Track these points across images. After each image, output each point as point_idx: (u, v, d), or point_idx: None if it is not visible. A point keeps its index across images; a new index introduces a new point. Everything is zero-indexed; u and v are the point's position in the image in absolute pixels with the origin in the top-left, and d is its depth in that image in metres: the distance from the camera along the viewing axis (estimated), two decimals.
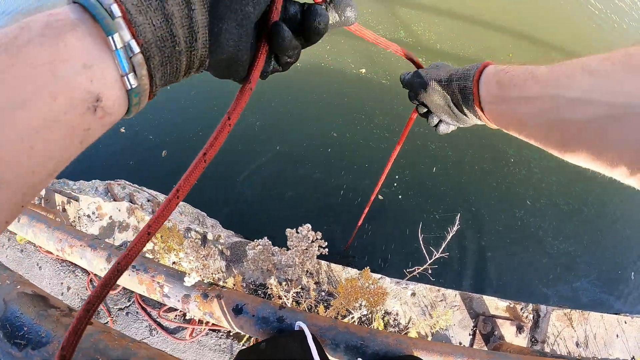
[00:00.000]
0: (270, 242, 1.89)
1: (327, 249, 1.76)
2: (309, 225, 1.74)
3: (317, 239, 1.72)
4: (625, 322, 2.44)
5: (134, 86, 0.40)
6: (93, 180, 3.16)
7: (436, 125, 1.03)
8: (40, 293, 1.10)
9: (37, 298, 1.06)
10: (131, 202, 2.86)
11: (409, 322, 2.23)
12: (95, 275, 2.50)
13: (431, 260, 2.00)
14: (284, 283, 2.15)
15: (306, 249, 1.70)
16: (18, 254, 2.81)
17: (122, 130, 4.39)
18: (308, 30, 0.54)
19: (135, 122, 4.44)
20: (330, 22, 0.58)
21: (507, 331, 2.29)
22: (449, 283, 3.60)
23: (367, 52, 4.85)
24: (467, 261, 3.74)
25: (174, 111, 4.54)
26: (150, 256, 2.32)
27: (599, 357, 2.35)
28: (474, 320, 2.28)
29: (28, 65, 0.32)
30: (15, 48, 0.32)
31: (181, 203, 3.06)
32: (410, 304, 2.26)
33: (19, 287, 1.08)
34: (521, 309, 2.36)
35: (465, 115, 0.85)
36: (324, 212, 3.86)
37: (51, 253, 2.71)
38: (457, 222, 2.03)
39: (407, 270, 2.35)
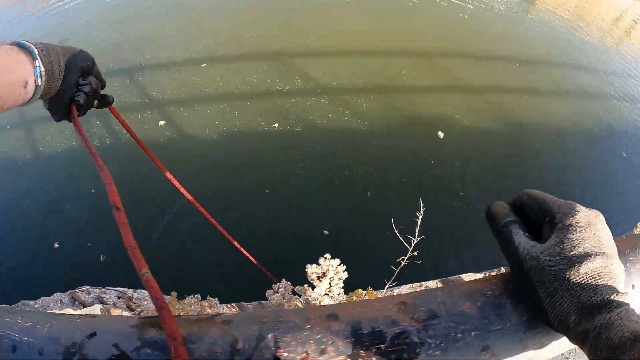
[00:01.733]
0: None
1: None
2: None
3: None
4: None
5: (39, 84, 0.83)
6: (55, 294, 2.97)
7: None
8: None
9: None
10: (102, 303, 2.65)
11: None
12: None
13: (412, 248, 2.03)
14: None
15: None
16: None
17: (56, 245, 4.10)
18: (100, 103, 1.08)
19: (70, 233, 4.15)
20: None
21: None
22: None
23: (274, 108, 5.06)
24: (430, 257, 3.86)
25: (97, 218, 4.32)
26: None
27: None
28: None
29: (3, 61, 0.76)
30: None
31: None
32: None
33: None
34: None
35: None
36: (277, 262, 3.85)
37: None
38: (422, 206, 2.09)
39: (393, 266, 2.36)
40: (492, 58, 6.29)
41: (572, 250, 0.47)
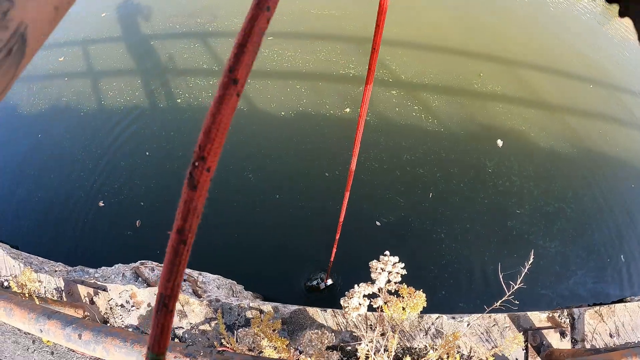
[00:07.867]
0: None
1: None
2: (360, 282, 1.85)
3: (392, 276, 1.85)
4: None
5: None
6: (116, 265, 2.93)
7: None
8: None
9: None
10: None
11: (470, 351, 2.41)
12: None
13: (511, 291, 2.15)
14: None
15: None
16: (48, 357, 2.62)
17: (101, 204, 4.37)
18: None
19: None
20: None
21: (553, 338, 2.52)
22: (465, 302, 3.84)
23: (342, 92, 5.10)
24: (474, 278, 3.97)
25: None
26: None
27: (631, 342, 2.64)
28: (524, 335, 2.50)
29: None
30: None
31: (214, 276, 3.05)
32: (468, 334, 2.44)
33: None
34: (558, 316, 2.61)
35: None
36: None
37: (85, 354, 2.58)
38: (532, 256, 2.19)
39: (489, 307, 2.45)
40: (568, 75, 5.95)
41: None
